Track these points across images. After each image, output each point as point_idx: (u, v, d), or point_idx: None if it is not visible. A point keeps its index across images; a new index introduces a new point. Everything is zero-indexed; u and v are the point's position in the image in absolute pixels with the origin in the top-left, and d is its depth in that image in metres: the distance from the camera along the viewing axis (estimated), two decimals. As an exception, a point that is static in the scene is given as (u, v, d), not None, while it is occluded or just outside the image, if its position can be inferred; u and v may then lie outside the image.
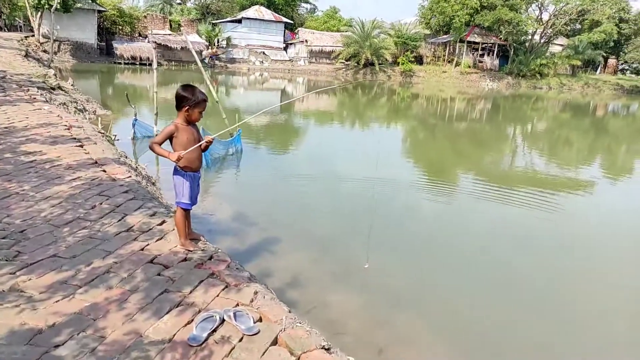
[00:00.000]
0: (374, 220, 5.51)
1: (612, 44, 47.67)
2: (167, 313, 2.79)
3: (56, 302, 2.83)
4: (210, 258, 3.56)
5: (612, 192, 9.65)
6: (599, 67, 53.59)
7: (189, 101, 3.46)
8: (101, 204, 4.45)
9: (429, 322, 3.87)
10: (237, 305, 2.94)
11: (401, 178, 8.78)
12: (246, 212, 5.97)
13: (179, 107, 3.50)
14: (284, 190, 7.42)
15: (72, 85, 15.44)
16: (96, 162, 5.80)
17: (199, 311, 2.83)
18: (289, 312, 3.00)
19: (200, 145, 3.56)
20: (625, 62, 54.70)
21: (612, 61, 54.22)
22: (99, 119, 10.36)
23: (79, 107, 11.79)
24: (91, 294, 2.95)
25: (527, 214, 7.23)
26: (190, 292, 3.04)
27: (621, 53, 51.62)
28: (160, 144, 3.44)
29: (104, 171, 5.49)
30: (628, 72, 58.09)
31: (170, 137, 3.49)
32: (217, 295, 3.02)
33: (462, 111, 25.11)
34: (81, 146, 6.54)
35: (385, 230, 5.73)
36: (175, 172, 3.59)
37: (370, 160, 10.27)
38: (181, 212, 3.63)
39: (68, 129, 7.48)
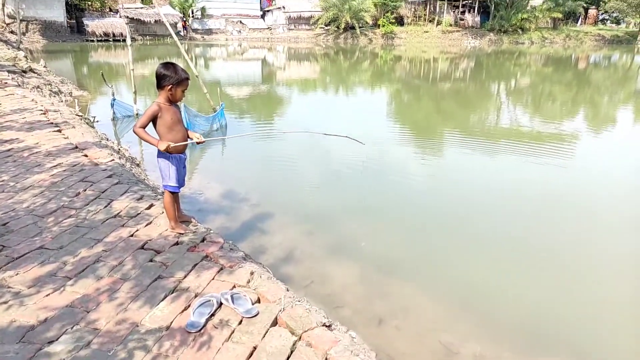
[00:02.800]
0: (366, 188, 5.46)
1: (592, -7, 47.33)
2: (162, 300, 2.72)
3: (46, 296, 2.75)
4: (203, 240, 3.48)
5: (600, 142, 9.69)
6: (580, 19, 53.22)
7: (171, 79, 3.30)
8: (85, 190, 4.31)
9: (427, 289, 3.86)
10: (234, 287, 2.88)
11: (391, 141, 8.70)
12: (236, 188, 5.86)
13: (160, 86, 3.34)
14: (273, 163, 7.28)
15: (44, 66, 14.89)
16: (76, 147, 5.62)
17: (195, 296, 2.77)
18: (287, 290, 2.95)
19: (192, 141, 3.48)
20: (606, 12, 54.32)
21: (592, 12, 53.82)
22: (76, 100, 10.02)
23: (53, 90, 11.39)
24: (81, 285, 2.87)
25: (518, 167, 7.26)
26: (185, 276, 2.97)
27: (601, 3, 51.20)
28: (144, 127, 3.29)
29: (86, 156, 5.32)
30: (608, 22, 57.83)
31: (154, 118, 3.34)
32: (213, 279, 2.96)
33: (446, 71, 24.87)
34: (59, 131, 6.32)
35: (377, 197, 5.68)
36: (160, 154, 3.44)
37: (358, 126, 10.18)
38: (169, 195, 3.52)
39: (44, 114, 7.22)
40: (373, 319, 3.38)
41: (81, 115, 7.93)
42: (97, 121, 8.94)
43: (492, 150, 8.42)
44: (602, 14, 55.81)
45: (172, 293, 2.80)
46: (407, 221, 5.28)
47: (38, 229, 3.57)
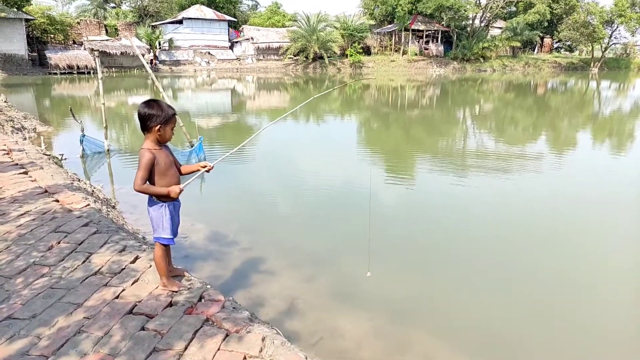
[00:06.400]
0: (365, 223, 5.16)
1: (546, 24, 49.95)
2: (163, 381, 2.30)
3: (18, 384, 2.28)
4: (201, 299, 3.07)
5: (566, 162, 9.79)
6: (536, 47, 55.89)
7: (159, 118, 2.93)
8: (59, 242, 3.83)
9: (448, 335, 3.55)
10: (245, 359, 2.48)
11: (376, 173, 8.49)
12: (223, 230, 5.44)
13: (147, 128, 2.96)
14: (260, 200, 6.90)
15: (5, 101, 14.13)
16: (46, 191, 5.10)
17: (201, 373, 2.36)
18: (306, 358, 2.57)
19: (200, 172, 3.19)
20: (560, 40, 57.32)
21: (547, 40, 56.70)
22: (42, 137, 9.43)
23: (16, 126, 10.71)
24: (62, 365, 2.41)
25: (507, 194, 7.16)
26: (185, 348, 2.55)
27: (555, 32, 53.99)
28: (145, 181, 2.92)
29: (57, 201, 4.82)
30: (562, 50, 61.02)
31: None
32: (219, 349, 2.55)
33: (413, 98, 25.27)
34: (26, 173, 5.78)
35: (377, 234, 5.36)
36: (152, 203, 3.04)
37: (343, 157, 9.96)
38: (161, 248, 3.09)
39: (8, 154, 6.65)
40: (398, 380, 3.03)
41: (49, 155, 7.37)
42: (65, 159, 8.36)
43: (488, 177, 8.32)
44: (557, 42, 58.80)
45: (173, 370, 2.38)
46: (412, 261, 4.98)
47: (5, 293, 3.08)
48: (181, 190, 3.01)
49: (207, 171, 3.14)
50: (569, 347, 3.53)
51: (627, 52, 56.94)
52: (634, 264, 5.01)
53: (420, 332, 3.62)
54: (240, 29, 49.58)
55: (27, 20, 35.73)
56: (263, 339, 2.65)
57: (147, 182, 2.97)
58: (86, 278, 3.28)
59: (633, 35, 49.74)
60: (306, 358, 2.58)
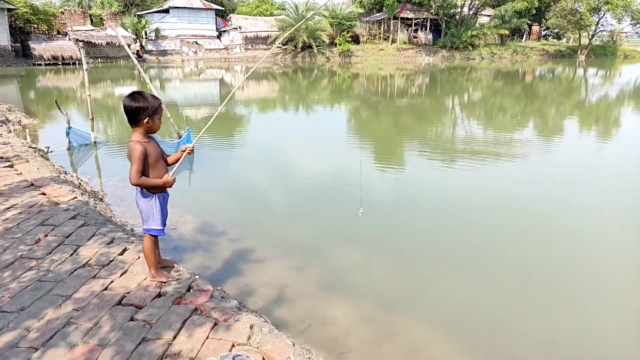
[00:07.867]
0: (353, 214, 5.21)
1: (534, 11, 50.08)
2: (152, 370, 2.34)
3: (8, 375, 2.30)
4: (189, 289, 3.10)
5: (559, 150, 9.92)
6: (524, 35, 56.06)
7: (147, 110, 2.93)
8: (46, 235, 3.82)
9: (432, 322, 3.62)
10: (233, 346, 2.53)
11: (365, 161, 8.53)
12: (212, 221, 5.46)
13: (135, 121, 2.96)
14: (248, 191, 6.92)
15: (-12, 93, 13.90)
16: (32, 184, 5.08)
17: (190, 362, 2.39)
18: (294, 345, 2.62)
19: (183, 155, 3.19)
20: (547, 28, 57.53)
21: (535, 28, 56.86)
22: (27, 130, 9.31)
23: (0, 119, 10.57)
24: (51, 356, 2.43)
25: (489, 178, 7.24)
26: (174, 337, 2.58)
27: (543, 20, 54.16)
28: (141, 174, 2.94)
29: (44, 194, 4.80)
30: (550, 37, 61.31)
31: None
32: (207, 337, 2.59)
33: (403, 87, 25.30)
34: (11, 166, 5.73)
35: (367, 222, 5.41)
36: (143, 194, 3.04)
37: (332, 146, 9.98)
38: (150, 239, 3.11)
39: (-9, 147, 6.58)
40: (385, 366, 3.09)
41: (35, 148, 7.30)
42: (52, 151, 8.29)
43: (463, 165, 8.40)
44: (545, 30, 59.01)
45: (162, 360, 2.41)
46: (400, 249, 5.04)
47: (-7, 286, 3.09)
48: (174, 179, 3.04)
49: (190, 153, 3.17)
50: (563, 337, 3.60)
51: (614, 39, 57.28)
52: (630, 253, 5.07)
53: (409, 319, 3.67)
54: (228, 17, 49.08)
55: (9, 10, 35.03)
56: (251, 327, 2.69)
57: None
58: (74, 270, 3.29)
59: (619, 23, 49.99)
60: (294, 345, 2.63)
